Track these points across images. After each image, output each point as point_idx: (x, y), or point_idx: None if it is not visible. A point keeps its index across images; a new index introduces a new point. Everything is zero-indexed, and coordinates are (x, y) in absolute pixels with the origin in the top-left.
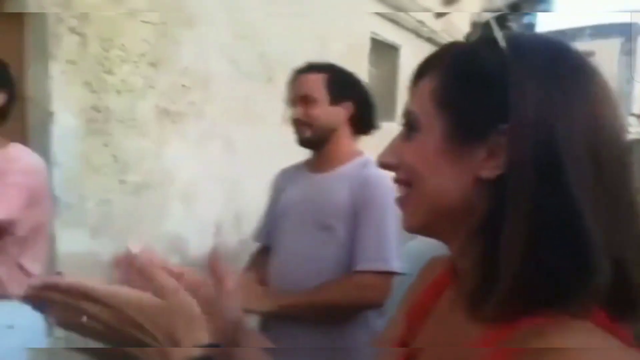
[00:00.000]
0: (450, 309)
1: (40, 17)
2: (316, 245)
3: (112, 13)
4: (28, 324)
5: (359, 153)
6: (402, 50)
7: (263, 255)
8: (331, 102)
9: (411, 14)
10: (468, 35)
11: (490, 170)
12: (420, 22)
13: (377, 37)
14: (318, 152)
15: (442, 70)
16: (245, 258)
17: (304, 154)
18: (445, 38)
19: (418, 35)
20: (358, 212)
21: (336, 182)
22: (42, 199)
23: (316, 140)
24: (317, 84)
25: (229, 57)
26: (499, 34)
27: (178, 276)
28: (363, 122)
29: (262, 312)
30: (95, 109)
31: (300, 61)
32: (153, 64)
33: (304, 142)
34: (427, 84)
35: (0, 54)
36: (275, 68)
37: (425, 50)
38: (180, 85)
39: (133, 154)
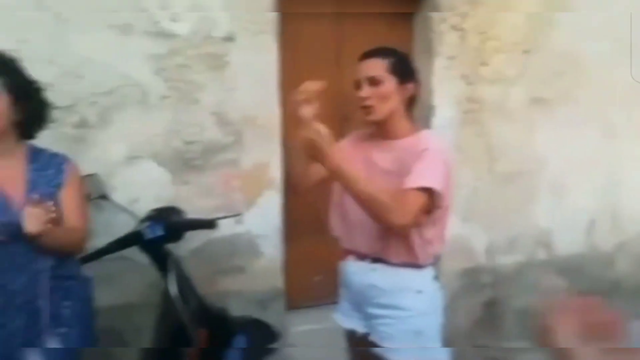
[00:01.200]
0: None
1: (426, 18)
2: None
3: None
4: (433, 290)
5: None
6: None
7: None
8: None
9: None
10: None
11: None
12: None
13: None
14: None
15: None
16: (621, 265)
17: None
18: None
19: None
20: None
21: None
22: (451, 175)
23: None
24: None
25: (608, 37)
26: None
27: None
28: None
29: None
30: (471, 100)
31: None
32: (526, 52)
33: None
34: None
35: None
36: None
37: None
38: (552, 70)
39: (503, 143)
